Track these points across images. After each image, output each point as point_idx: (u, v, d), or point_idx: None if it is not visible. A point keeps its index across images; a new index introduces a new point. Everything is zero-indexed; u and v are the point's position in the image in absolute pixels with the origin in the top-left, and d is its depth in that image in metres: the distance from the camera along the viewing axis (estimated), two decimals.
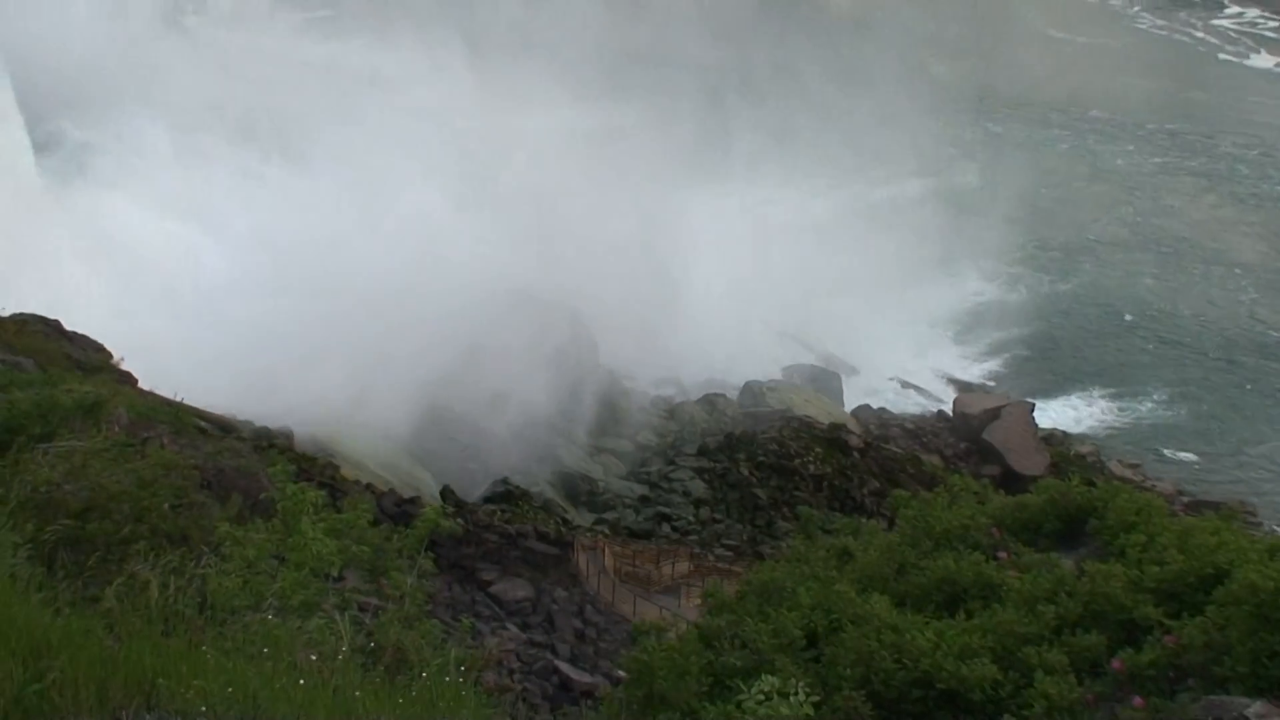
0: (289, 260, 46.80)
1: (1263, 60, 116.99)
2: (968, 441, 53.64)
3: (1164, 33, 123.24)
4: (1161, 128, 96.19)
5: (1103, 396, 61.58)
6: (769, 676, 7.05)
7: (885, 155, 77.57)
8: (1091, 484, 10.20)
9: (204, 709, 5.62)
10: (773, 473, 45.62)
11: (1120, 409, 60.58)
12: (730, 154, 74.55)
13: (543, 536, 33.20)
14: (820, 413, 52.56)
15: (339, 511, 10.51)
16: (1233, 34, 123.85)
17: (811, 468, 45.94)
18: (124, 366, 27.98)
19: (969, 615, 8.09)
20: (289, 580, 8.40)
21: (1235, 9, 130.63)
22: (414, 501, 31.07)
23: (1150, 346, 66.10)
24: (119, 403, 14.63)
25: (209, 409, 30.61)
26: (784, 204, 73.26)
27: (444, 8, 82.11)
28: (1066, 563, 8.68)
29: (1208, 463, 55.86)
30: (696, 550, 39.05)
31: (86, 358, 26.20)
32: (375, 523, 11.21)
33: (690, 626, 9.48)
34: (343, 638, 7.60)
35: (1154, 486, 48.61)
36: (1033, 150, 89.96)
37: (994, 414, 53.79)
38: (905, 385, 61.86)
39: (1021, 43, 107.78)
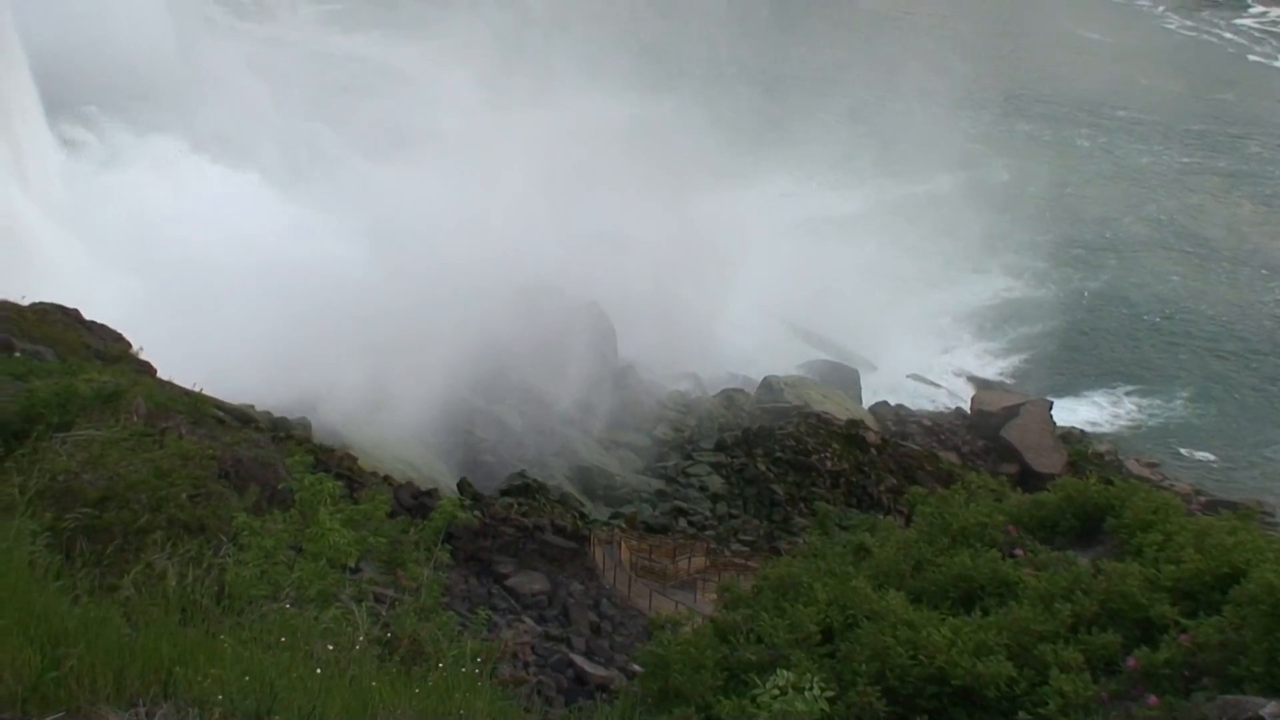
0: (309, 253, 47.02)
1: None
2: (986, 439, 53.49)
3: (1191, 33, 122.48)
4: (1189, 127, 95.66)
5: (1123, 395, 61.35)
6: (784, 671, 7.06)
7: (912, 151, 77.35)
8: (1109, 482, 10.16)
9: (220, 697, 5.67)
10: (790, 468, 45.61)
11: (1140, 408, 60.35)
12: (756, 148, 74.49)
13: (559, 530, 33.28)
14: (838, 409, 52.47)
15: (356, 503, 10.56)
16: (1259, 34, 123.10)
17: (829, 464, 45.89)
18: (143, 356, 28.10)
19: (985, 612, 8.08)
20: (306, 570, 8.45)
21: (1260, 8, 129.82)
22: (431, 494, 31.16)
23: (1172, 346, 65.79)
24: (137, 392, 14.69)
25: (227, 398, 30.77)
26: (807, 199, 73.27)
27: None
28: (1083, 561, 8.67)
29: (1226, 462, 55.62)
30: (713, 545, 39.09)
31: (106, 347, 26.35)
32: (392, 514, 11.26)
33: (706, 621, 9.50)
34: (359, 628, 7.64)
35: (1172, 486, 48.47)
36: (1060, 148, 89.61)
37: (1012, 412, 53.62)
38: (924, 382, 61.69)
39: (1049, 42, 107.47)
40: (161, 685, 5.72)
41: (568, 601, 29.60)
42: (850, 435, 48.20)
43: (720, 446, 47.83)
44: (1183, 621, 7.38)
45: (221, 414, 27.10)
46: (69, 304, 28.12)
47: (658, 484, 45.16)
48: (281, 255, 46.41)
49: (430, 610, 8.93)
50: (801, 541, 20.79)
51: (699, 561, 36.70)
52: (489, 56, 74.57)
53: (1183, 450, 56.65)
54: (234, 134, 57.64)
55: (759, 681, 7.04)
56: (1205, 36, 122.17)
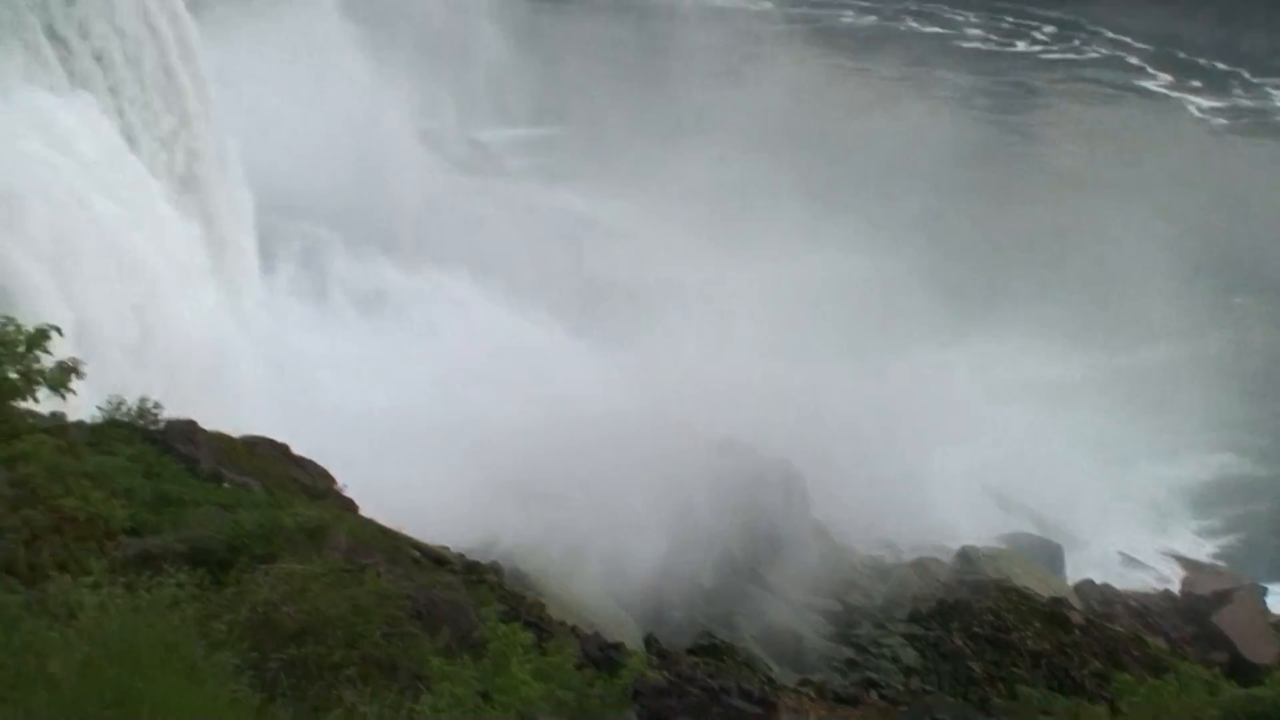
0: (510, 398, 48.10)
1: None
2: (1195, 624, 50.53)
3: None
4: None
5: None
6: None
7: (1126, 319, 75.21)
8: None
9: None
10: (988, 645, 43.68)
11: None
12: (962, 309, 73.53)
13: (746, 694, 32.33)
14: (1040, 584, 50.31)
15: (545, 653, 10.41)
16: None
17: (1029, 643, 43.82)
18: (346, 492, 28.92)
19: None
20: None
21: None
22: (618, 647, 30.76)
23: None
24: (340, 528, 15.00)
25: (421, 537, 31.30)
26: (1015, 363, 71.60)
27: (662, 158, 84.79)
28: None
29: None
30: None
31: (312, 482, 27.20)
32: (579, 666, 11.05)
33: None
34: None
35: None
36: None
37: (1225, 597, 50.77)
38: (1131, 560, 59.01)
39: (1270, 211, 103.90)
40: None
41: None
42: (1053, 614, 46.07)
43: (914, 617, 46.22)
44: None
45: (418, 554, 27.54)
46: (279, 438, 29.25)
47: (848, 652, 43.74)
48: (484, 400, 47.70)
49: None
50: None
51: None
52: (696, 211, 76.25)
53: None
54: (453, 281, 60.02)
55: None
56: None
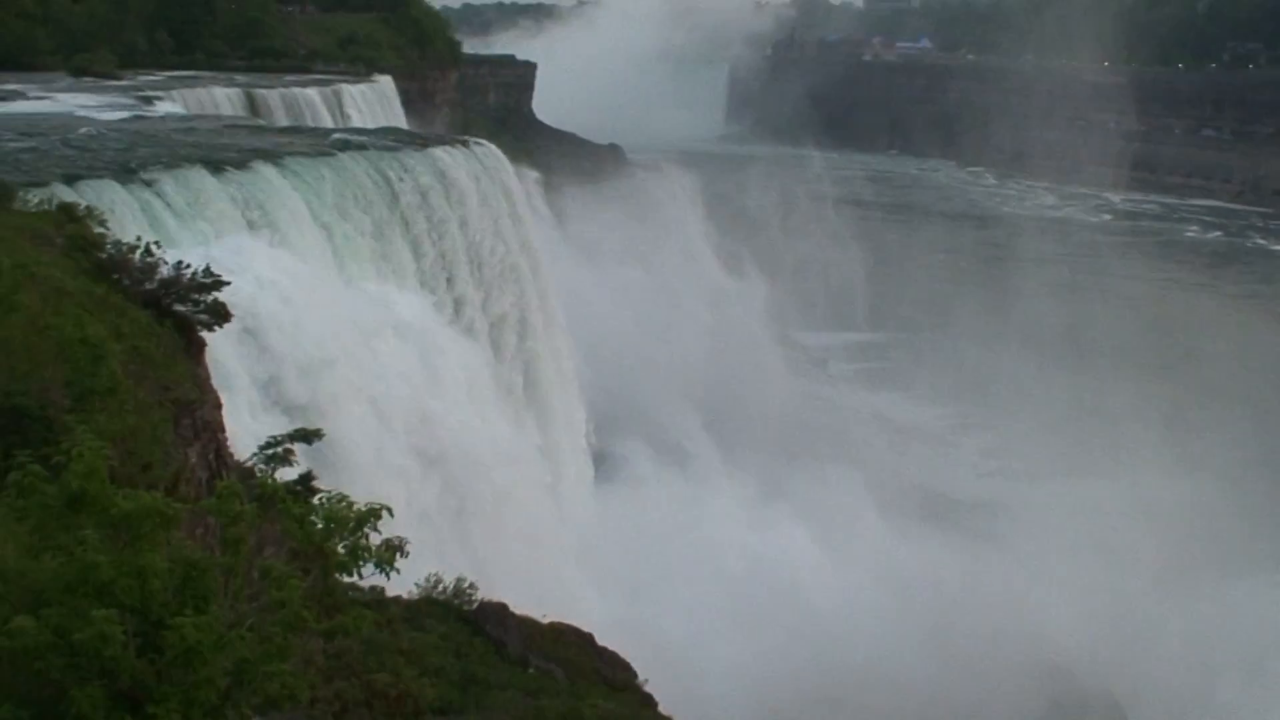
0: (830, 600, 47.43)
1: None
2: None
3: None
4: None
5: None
6: None
7: None
8: None
9: None
10: None
11: None
12: None
13: None
14: None
15: None
16: None
17: None
18: (647, 688, 29.00)
19: None
20: None
21: None
22: None
23: None
24: None
25: None
26: None
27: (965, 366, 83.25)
28: None
29: None
30: None
31: (613, 675, 27.50)
32: None
33: None
34: None
35: None
36: None
37: None
38: None
39: None
40: None
41: None
42: None
43: None
44: None
45: None
46: (585, 627, 29.80)
47: None
48: (803, 597, 47.33)
49: None
50: None
51: None
52: (1027, 424, 74.21)
53: None
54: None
55: None
56: None
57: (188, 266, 21.42)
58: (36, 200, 24.85)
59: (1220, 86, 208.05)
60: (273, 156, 36.45)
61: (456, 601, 23.96)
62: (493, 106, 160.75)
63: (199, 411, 19.38)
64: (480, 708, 19.12)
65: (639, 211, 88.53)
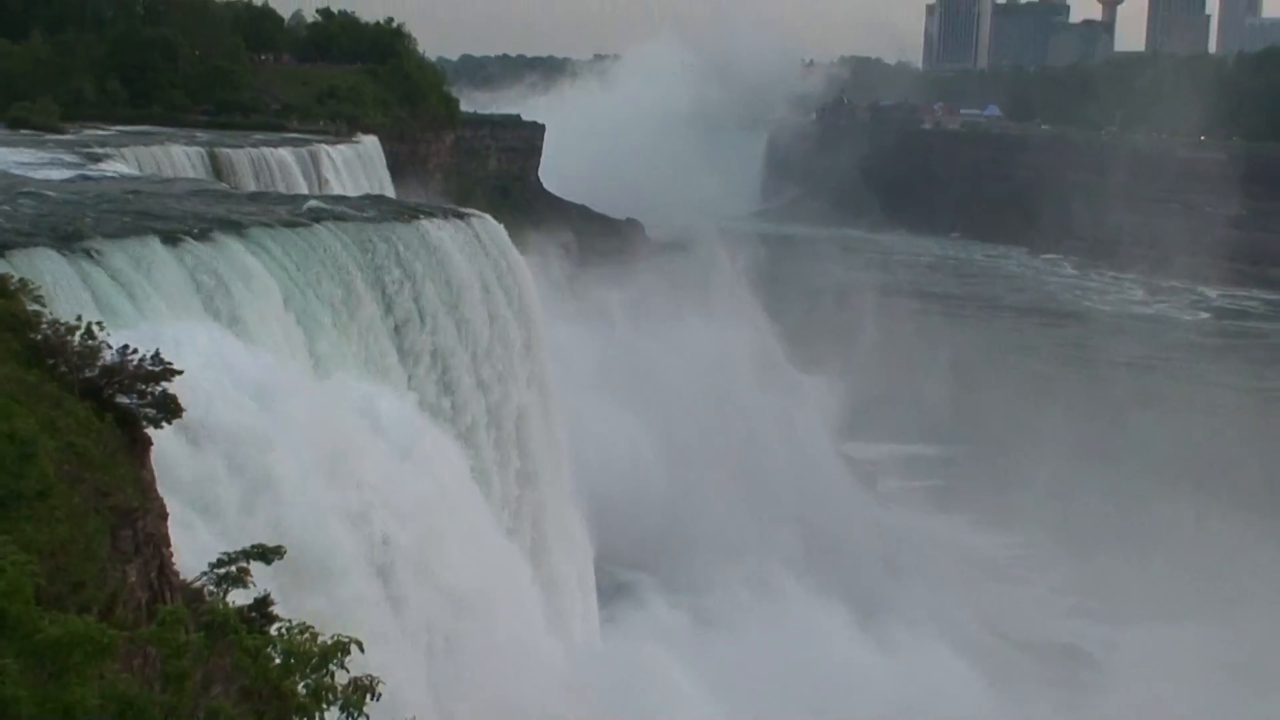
0: None
1: None
2: None
3: None
4: None
5: None
6: None
7: None
8: None
9: None
10: None
11: None
12: None
13: None
14: None
15: None
16: None
17: None
18: None
19: None
20: None
21: None
22: None
23: None
24: None
25: None
26: None
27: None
28: None
29: None
30: None
31: None
32: None
33: None
34: None
35: None
36: None
37: None
38: None
39: None
40: None
41: None
42: None
43: None
44: None
45: None
46: None
47: None
48: None
49: None
50: None
51: None
52: (1115, 555, 73.79)
53: None
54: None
55: None
56: None
57: (134, 352, 21.55)
58: None
59: None
60: (237, 227, 36.83)
61: None
62: (494, 173, 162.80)
63: (141, 522, 19.37)
64: None
65: (661, 300, 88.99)
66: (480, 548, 38.93)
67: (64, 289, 28.08)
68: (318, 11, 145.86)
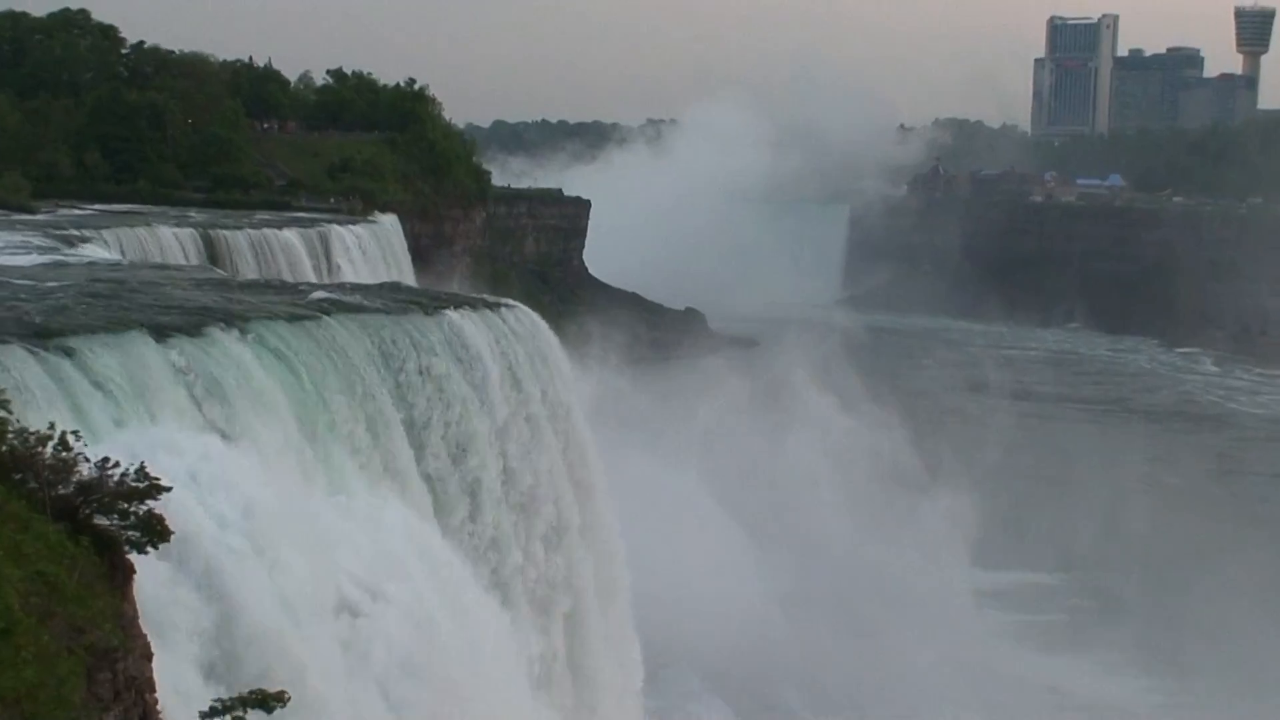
0: None
1: None
2: None
3: None
4: None
5: None
6: None
7: None
8: None
9: None
10: None
11: None
12: None
13: None
14: None
15: None
16: None
17: None
18: None
19: None
20: None
21: None
22: None
23: None
24: None
25: None
26: None
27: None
28: None
29: None
30: None
31: None
32: None
33: None
34: None
35: None
36: None
37: None
38: None
39: None
40: None
41: None
42: None
43: None
44: None
45: None
46: None
47: None
48: None
49: None
50: None
51: None
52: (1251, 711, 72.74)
53: None
54: None
55: None
56: None
57: (115, 466, 21.69)
58: None
59: None
60: (235, 320, 37.16)
61: None
62: (531, 257, 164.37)
63: (122, 663, 19.42)
64: None
65: (723, 405, 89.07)
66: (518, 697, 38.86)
67: (35, 392, 28.33)
68: (328, 73, 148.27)
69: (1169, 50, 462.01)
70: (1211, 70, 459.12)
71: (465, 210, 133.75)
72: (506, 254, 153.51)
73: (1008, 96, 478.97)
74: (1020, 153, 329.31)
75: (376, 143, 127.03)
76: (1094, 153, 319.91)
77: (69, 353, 30.90)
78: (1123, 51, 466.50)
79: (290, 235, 75.17)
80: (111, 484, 21.48)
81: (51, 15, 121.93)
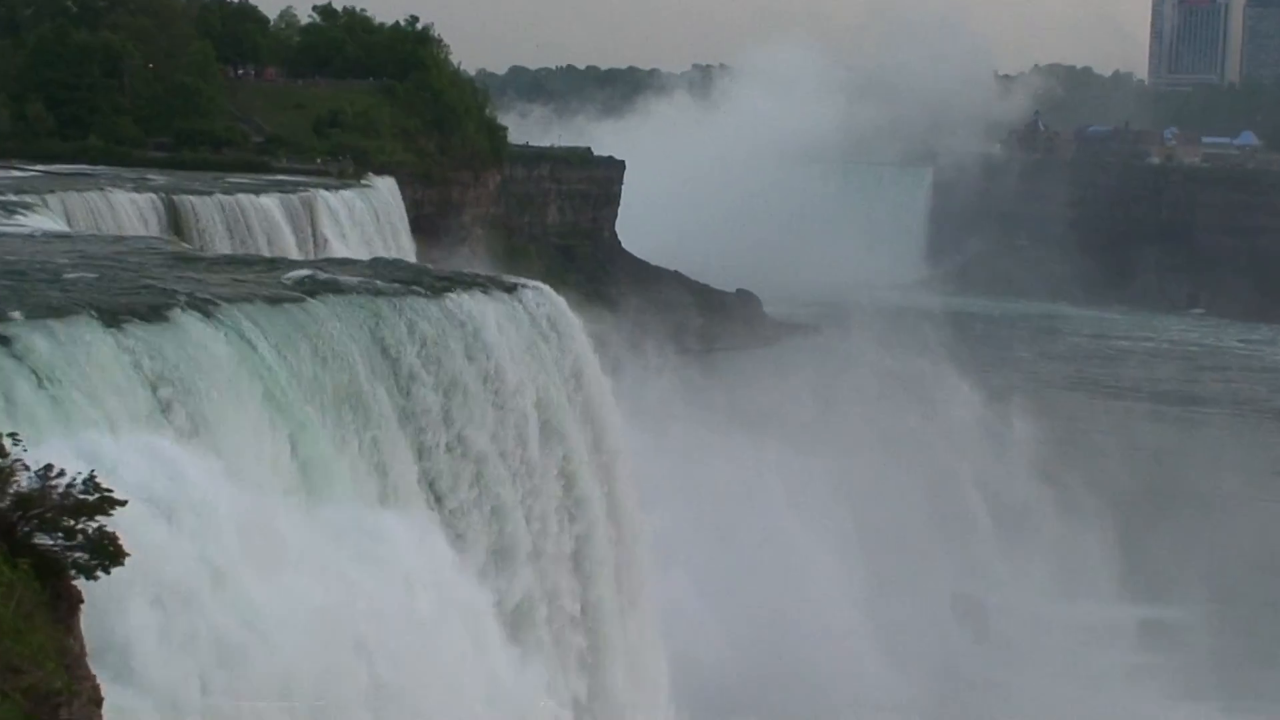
0: None
1: None
2: None
3: None
4: None
5: None
6: None
7: None
8: None
9: None
10: None
11: None
12: None
13: None
14: None
15: None
16: None
17: None
18: None
19: None
20: None
21: None
22: None
23: None
24: None
25: None
26: None
27: None
28: None
29: None
30: None
31: None
32: None
33: None
34: None
35: None
36: None
37: None
38: None
39: None
40: None
41: None
42: None
43: None
44: None
45: None
46: None
47: None
48: None
49: None
50: None
51: None
52: None
53: None
54: None
55: None
56: None
57: (59, 475, 21.70)
58: None
59: None
60: (202, 303, 37.18)
61: None
62: (555, 229, 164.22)
63: (66, 709, 19.44)
64: None
65: (783, 402, 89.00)
66: None
67: None
68: (315, 9, 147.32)
69: None
70: None
71: (476, 173, 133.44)
72: (525, 225, 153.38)
73: (1122, 39, 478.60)
74: (1136, 106, 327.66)
75: (371, 92, 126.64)
76: (1223, 106, 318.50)
77: (4, 341, 30.84)
78: None
79: (269, 202, 75.21)
80: (55, 497, 21.47)
81: None
